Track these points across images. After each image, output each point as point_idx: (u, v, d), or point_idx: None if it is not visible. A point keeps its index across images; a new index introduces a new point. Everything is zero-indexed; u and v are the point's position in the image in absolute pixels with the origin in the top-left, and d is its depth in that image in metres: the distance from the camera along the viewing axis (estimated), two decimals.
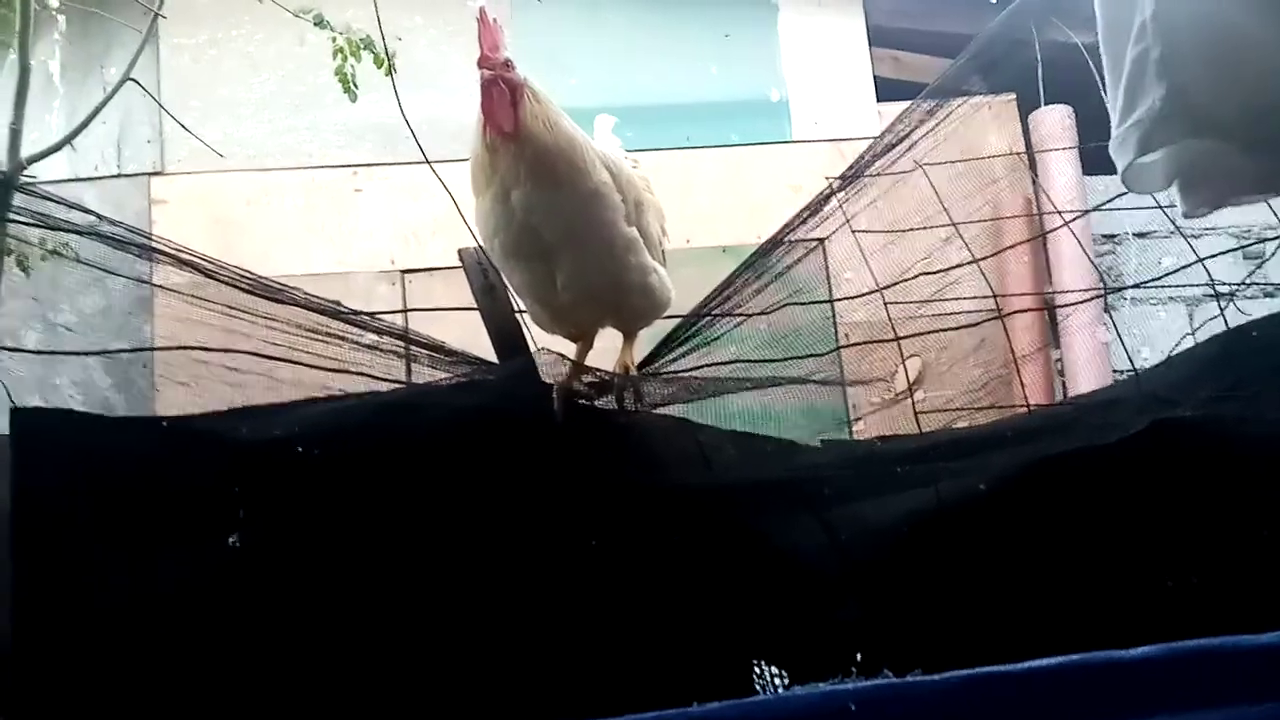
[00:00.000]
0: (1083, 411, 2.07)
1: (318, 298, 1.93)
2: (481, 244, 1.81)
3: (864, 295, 2.00)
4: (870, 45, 4.51)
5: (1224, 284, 4.10)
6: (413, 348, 1.95)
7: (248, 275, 1.91)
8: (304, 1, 2.54)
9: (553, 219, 1.70)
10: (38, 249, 2.31)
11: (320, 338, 1.91)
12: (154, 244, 1.98)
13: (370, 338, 1.93)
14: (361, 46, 2.41)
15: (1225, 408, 2.01)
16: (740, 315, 2.04)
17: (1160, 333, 4.32)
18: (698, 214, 4.10)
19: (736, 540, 1.89)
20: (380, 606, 1.70)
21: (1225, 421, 1.94)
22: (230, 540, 1.66)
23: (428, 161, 2.52)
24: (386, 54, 2.39)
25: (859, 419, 1.98)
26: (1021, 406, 2.25)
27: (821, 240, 2.54)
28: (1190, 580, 1.71)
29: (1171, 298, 4.38)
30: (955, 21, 4.57)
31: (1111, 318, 4.23)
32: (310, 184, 4.15)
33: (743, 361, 1.96)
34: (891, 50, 4.55)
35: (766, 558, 1.88)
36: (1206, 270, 2.08)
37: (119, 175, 4.07)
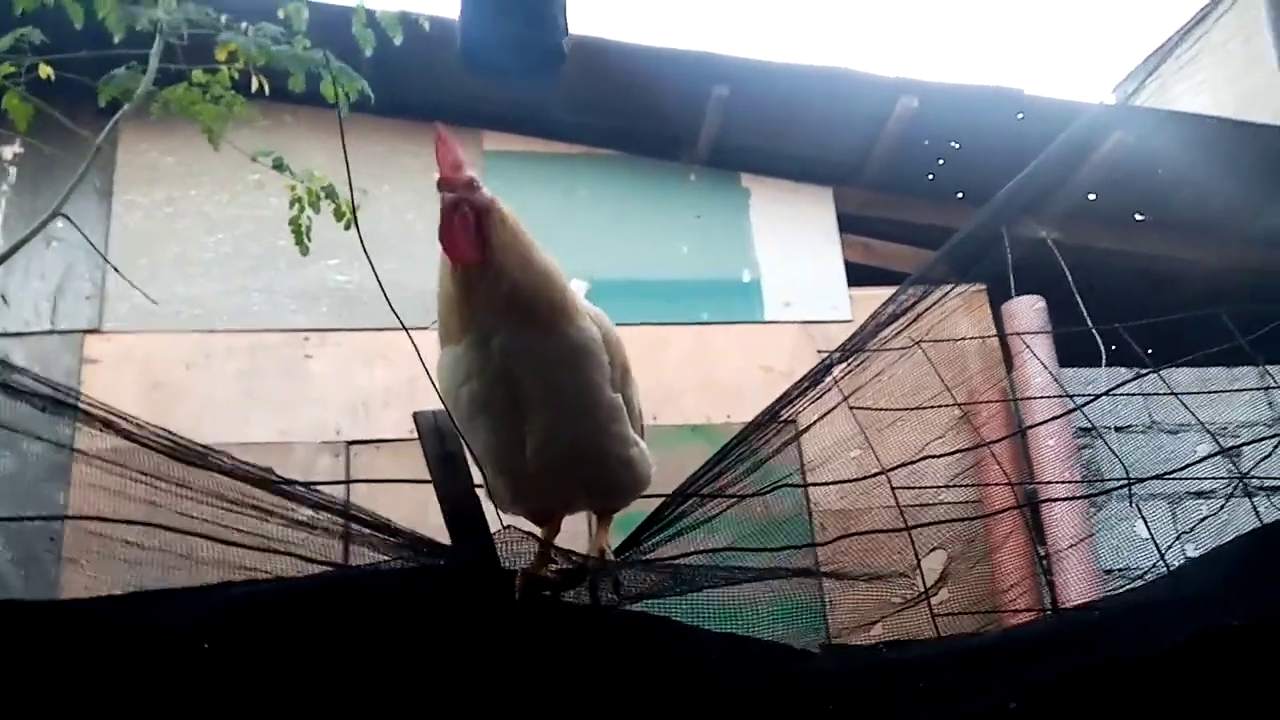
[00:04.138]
0: (1116, 616, 1.83)
1: (247, 464, 1.66)
2: (442, 397, 1.57)
3: (871, 477, 1.78)
4: (841, 232, 4.53)
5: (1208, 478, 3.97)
6: (353, 526, 1.68)
7: (167, 436, 1.65)
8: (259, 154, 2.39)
9: (536, 366, 1.47)
10: None
11: (249, 512, 1.63)
12: (63, 397, 1.71)
13: (306, 512, 1.65)
14: (322, 196, 2.24)
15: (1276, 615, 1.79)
16: (732, 496, 1.80)
17: (1141, 530, 4.16)
18: (666, 391, 3.92)
19: None
20: None
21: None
22: None
23: (401, 323, 2.27)
24: (353, 209, 2.21)
25: (876, 622, 1.71)
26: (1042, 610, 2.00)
27: (799, 430, 2.34)
28: None
29: (1153, 495, 4.24)
30: (923, 213, 4.64)
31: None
32: (257, 348, 3.93)
33: (736, 549, 1.71)
34: (862, 237, 4.57)
35: None
36: None
37: (50, 331, 3.81)
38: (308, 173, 2.39)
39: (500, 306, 1.46)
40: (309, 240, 2.42)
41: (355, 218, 2.26)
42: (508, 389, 1.50)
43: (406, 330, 2.19)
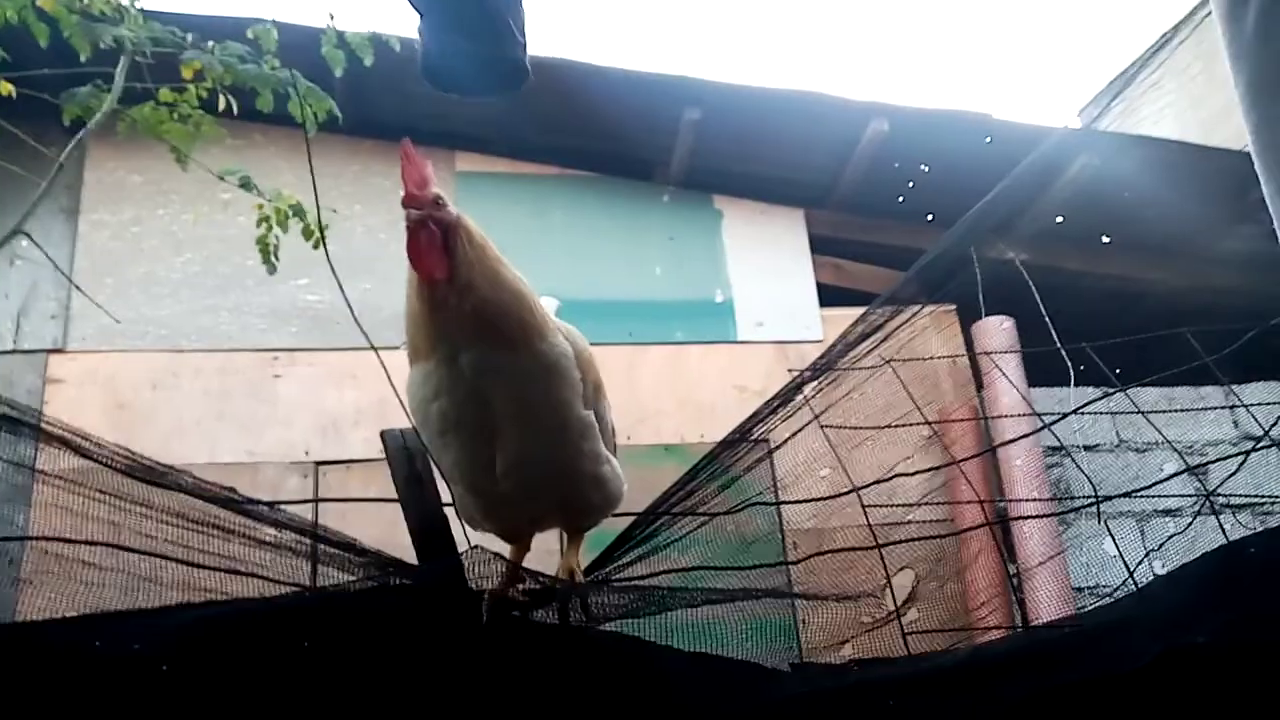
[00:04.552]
0: (1082, 634, 1.83)
1: (210, 484, 1.63)
2: (411, 414, 1.56)
3: (842, 495, 1.78)
4: (813, 253, 4.56)
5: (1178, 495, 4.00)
6: (320, 546, 1.65)
7: (128, 455, 1.62)
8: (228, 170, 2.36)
9: (506, 383, 1.46)
10: None
11: (213, 532, 1.60)
12: (19, 415, 1.68)
13: (270, 532, 1.63)
14: (290, 215, 2.22)
15: (1241, 633, 1.80)
16: (704, 515, 1.79)
17: (1110, 548, 4.20)
18: (640, 411, 3.92)
19: None
20: None
21: (1244, 649, 1.73)
22: None
23: (370, 343, 2.26)
24: (320, 228, 2.20)
25: (847, 641, 1.70)
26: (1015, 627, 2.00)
27: (770, 448, 2.34)
28: None
29: (1122, 512, 4.27)
30: (893, 235, 4.68)
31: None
32: (225, 368, 3.88)
33: (707, 568, 1.70)
34: (833, 259, 4.60)
35: None
36: None
37: (13, 351, 3.75)
38: (275, 192, 2.37)
39: (468, 323, 1.45)
40: (277, 259, 2.40)
41: (324, 237, 2.25)
42: (478, 406, 1.48)
43: (375, 350, 2.18)
